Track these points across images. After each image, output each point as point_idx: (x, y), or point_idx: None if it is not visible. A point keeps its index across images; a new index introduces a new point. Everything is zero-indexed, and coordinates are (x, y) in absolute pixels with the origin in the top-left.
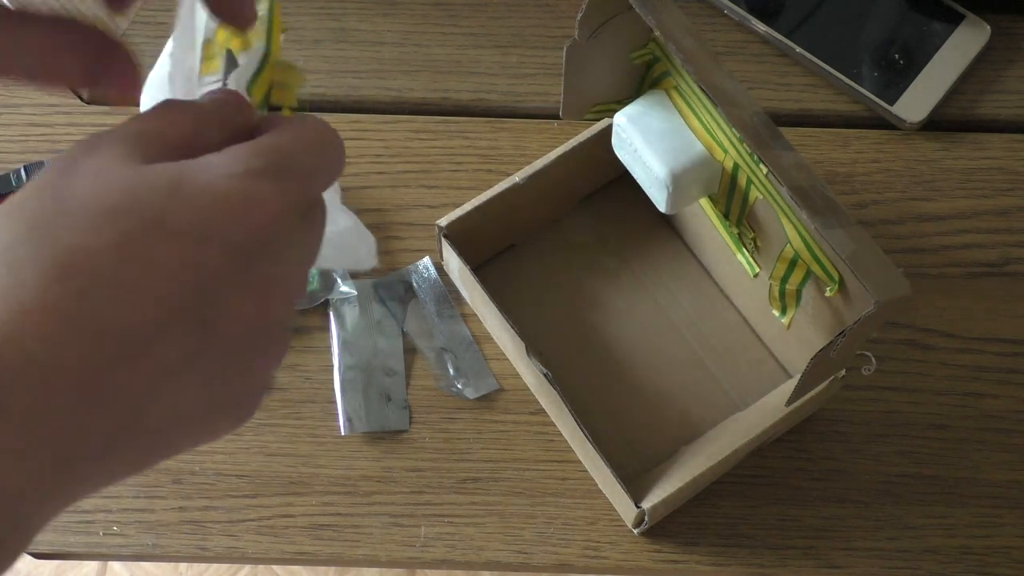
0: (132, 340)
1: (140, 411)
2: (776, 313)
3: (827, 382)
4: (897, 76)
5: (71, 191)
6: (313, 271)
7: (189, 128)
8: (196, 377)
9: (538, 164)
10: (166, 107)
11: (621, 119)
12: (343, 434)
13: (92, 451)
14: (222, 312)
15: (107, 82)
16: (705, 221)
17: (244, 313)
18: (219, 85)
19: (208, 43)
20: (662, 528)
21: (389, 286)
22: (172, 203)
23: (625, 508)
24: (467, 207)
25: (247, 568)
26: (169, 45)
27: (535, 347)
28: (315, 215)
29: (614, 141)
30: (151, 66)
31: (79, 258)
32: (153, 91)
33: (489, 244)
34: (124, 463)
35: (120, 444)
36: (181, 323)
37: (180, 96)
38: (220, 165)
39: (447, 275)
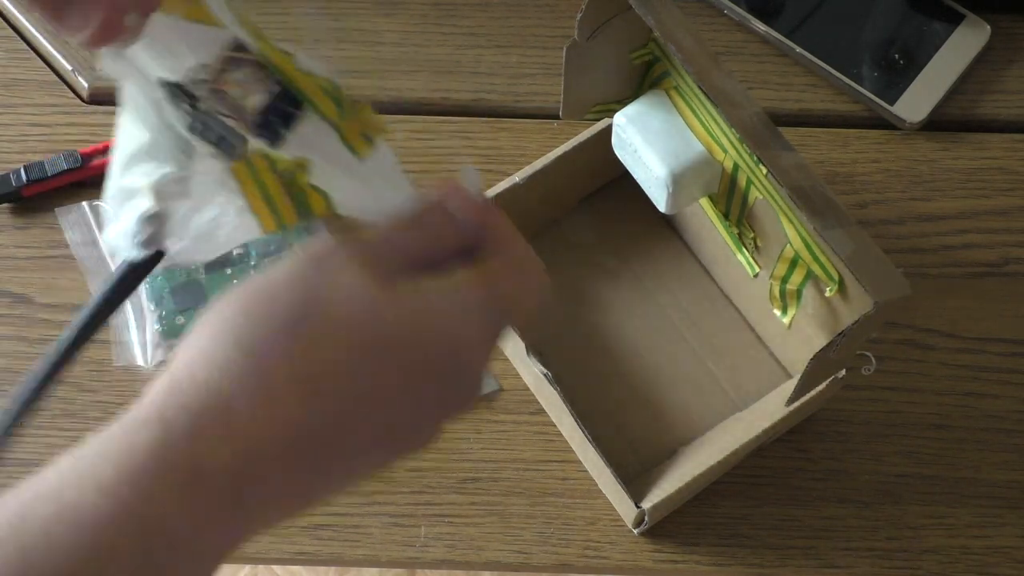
0: (354, 463)
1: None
2: (777, 312)
3: (827, 382)
4: (897, 76)
5: (327, 314)
6: None
7: (421, 244)
8: (385, 449)
9: (538, 164)
10: (398, 222)
11: (621, 119)
12: None
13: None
14: (411, 429)
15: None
16: (705, 221)
17: (427, 431)
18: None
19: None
20: (662, 528)
21: None
22: (412, 336)
23: (625, 508)
24: None
25: (247, 568)
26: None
27: (535, 347)
28: None
29: (614, 141)
30: None
31: (324, 383)
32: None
33: None
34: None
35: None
36: (391, 445)
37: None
38: (459, 305)
39: None
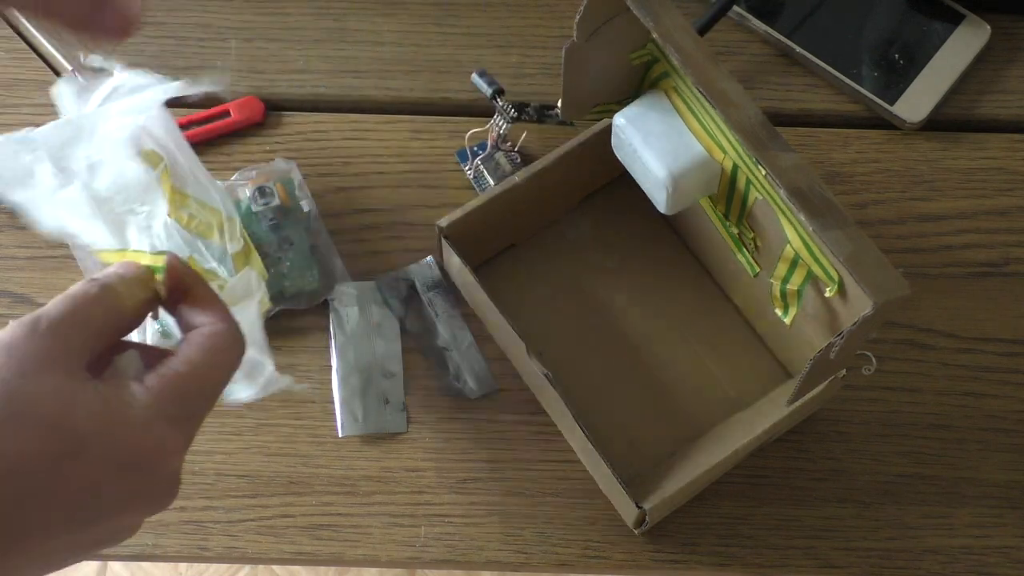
0: (39, 546)
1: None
2: (779, 312)
3: (827, 382)
4: (897, 76)
5: (18, 397)
6: (315, 270)
7: (108, 320)
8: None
9: (538, 164)
10: (82, 301)
11: (620, 120)
12: (341, 436)
13: None
14: (103, 518)
15: (97, 33)
16: (705, 221)
17: (124, 521)
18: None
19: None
20: (662, 528)
21: (392, 285)
22: (97, 437)
23: (625, 508)
24: (467, 207)
25: (247, 568)
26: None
27: (535, 347)
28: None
29: (613, 142)
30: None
31: (15, 466)
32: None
33: (489, 244)
34: None
35: None
36: (80, 538)
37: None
38: (145, 409)
39: (448, 275)
